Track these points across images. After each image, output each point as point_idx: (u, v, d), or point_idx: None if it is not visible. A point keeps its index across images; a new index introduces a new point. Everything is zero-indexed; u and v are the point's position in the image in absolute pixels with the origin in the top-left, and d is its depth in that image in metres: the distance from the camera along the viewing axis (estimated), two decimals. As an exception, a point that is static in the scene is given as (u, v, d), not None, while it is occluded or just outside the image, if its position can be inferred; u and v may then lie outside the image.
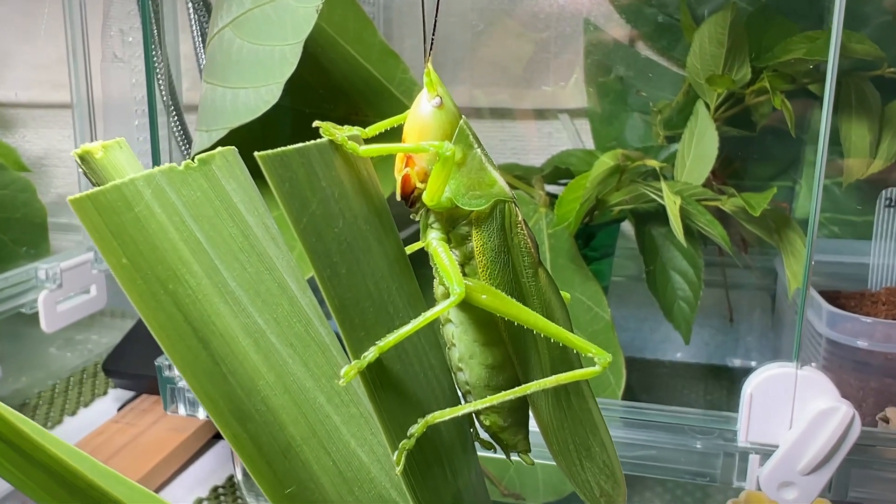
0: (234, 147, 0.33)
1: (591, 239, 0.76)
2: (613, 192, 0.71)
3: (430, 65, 0.30)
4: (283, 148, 0.27)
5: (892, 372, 0.63)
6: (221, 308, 0.31)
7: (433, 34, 0.30)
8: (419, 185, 0.30)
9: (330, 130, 0.28)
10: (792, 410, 0.52)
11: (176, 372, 0.62)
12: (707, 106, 0.75)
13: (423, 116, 0.30)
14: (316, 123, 0.29)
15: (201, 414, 0.63)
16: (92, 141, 0.72)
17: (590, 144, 0.88)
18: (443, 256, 0.29)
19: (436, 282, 0.32)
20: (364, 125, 0.68)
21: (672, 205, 0.66)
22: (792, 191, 0.84)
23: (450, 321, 0.32)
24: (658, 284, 0.75)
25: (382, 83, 0.69)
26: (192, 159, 0.31)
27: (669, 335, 0.84)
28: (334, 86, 0.68)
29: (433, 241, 0.30)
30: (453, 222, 0.31)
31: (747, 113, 0.78)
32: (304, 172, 0.27)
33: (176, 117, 0.81)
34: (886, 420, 0.60)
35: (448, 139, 0.30)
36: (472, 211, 0.30)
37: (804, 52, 0.72)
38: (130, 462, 0.72)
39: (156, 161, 0.62)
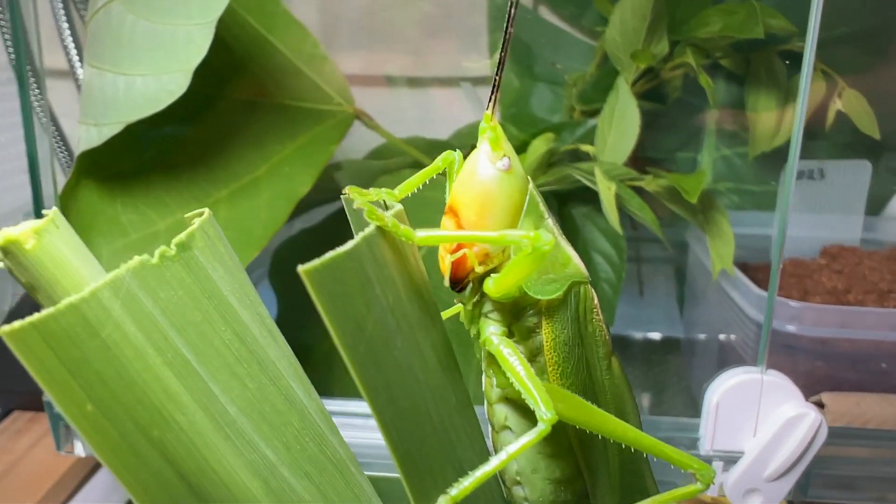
0: (207, 211, 0.24)
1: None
2: (540, 176, 0.65)
3: (495, 113, 0.22)
4: (331, 255, 0.18)
5: (822, 355, 0.61)
6: (222, 447, 0.22)
7: (500, 69, 0.21)
8: (478, 268, 0.22)
9: (376, 213, 0.20)
10: (757, 416, 0.49)
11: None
12: (625, 80, 0.69)
13: (485, 182, 0.22)
14: (356, 202, 0.20)
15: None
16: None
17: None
18: (516, 365, 0.22)
19: (486, 380, 0.24)
20: (272, 108, 0.58)
21: (606, 191, 0.61)
22: (694, 162, 0.81)
23: (507, 428, 0.25)
24: (579, 266, 0.70)
25: (290, 60, 0.59)
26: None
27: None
28: (236, 63, 0.57)
29: (493, 338, 0.23)
30: (518, 313, 0.23)
31: (660, 87, 0.74)
32: (358, 283, 0.19)
33: (38, 92, 0.67)
34: (821, 405, 0.58)
35: (516, 210, 0.22)
36: (542, 299, 0.23)
37: (721, 27, 0.68)
38: (12, 496, 0.60)
39: (31, 157, 0.50)
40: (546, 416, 0.21)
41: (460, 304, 0.25)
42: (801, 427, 0.47)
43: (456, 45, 0.81)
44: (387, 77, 0.84)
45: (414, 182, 0.25)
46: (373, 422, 0.20)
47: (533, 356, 0.24)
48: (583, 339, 0.24)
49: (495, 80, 0.23)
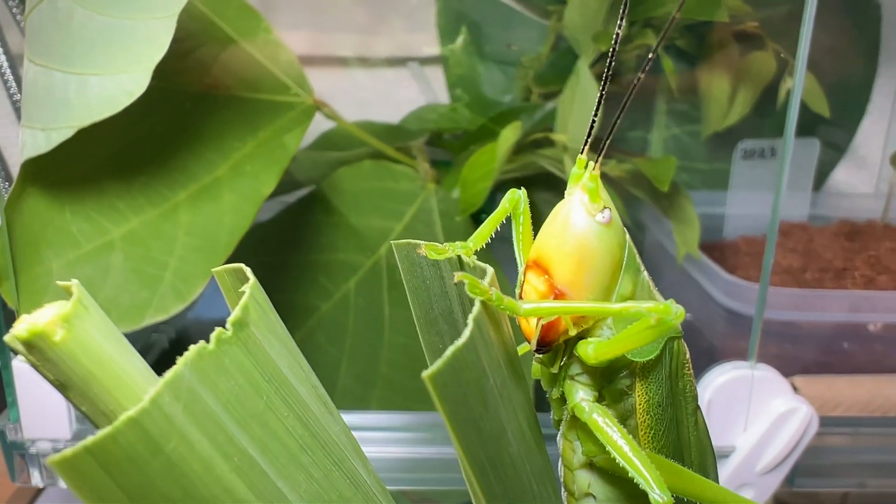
0: (245, 269, 0.21)
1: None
2: (506, 164, 0.62)
3: (598, 161, 0.19)
4: (451, 351, 0.15)
5: (789, 338, 0.61)
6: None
7: (596, 113, 0.18)
8: (572, 330, 0.20)
9: (479, 286, 0.16)
10: (748, 412, 0.48)
11: (26, 434, 0.46)
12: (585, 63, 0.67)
13: (584, 237, 0.19)
14: (459, 277, 0.17)
15: (62, 484, 0.48)
16: None
17: (442, 95, 0.77)
18: (617, 440, 0.19)
19: (566, 443, 0.22)
20: (228, 101, 0.53)
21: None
22: (645, 141, 0.80)
23: (590, 496, 0.22)
24: (543, 253, 0.67)
25: (243, 48, 0.54)
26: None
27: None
28: (186, 53, 0.52)
29: (585, 405, 0.20)
30: (610, 376, 0.21)
31: (617, 68, 0.72)
32: (475, 378, 0.16)
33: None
34: (794, 388, 0.58)
35: (616, 266, 0.19)
36: (639, 360, 0.20)
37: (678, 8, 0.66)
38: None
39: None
40: (662, 498, 0.18)
41: (538, 364, 0.22)
42: (793, 421, 0.47)
43: (403, 24, 0.77)
44: (330, 58, 0.79)
45: (486, 231, 0.22)
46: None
47: (623, 419, 0.22)
48: (674, 397, 0.22)
49: (592, 121, 0.20)
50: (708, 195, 0.78)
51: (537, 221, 0.67)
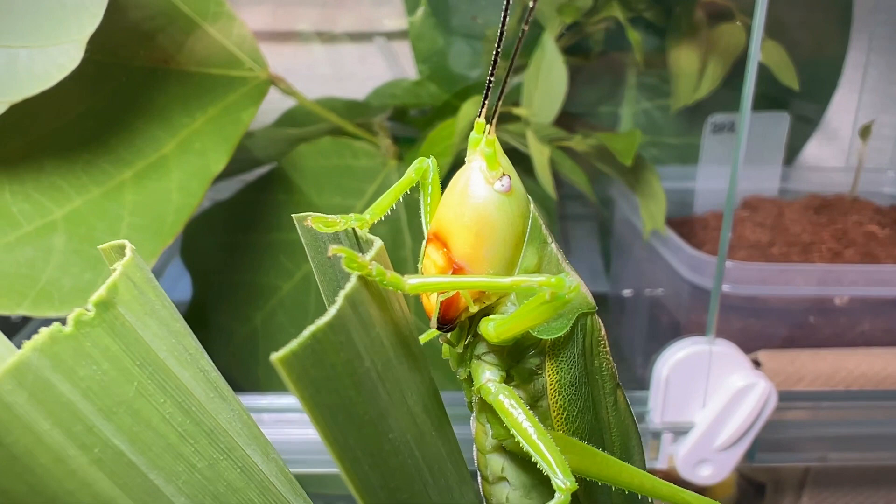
0: (129, 247, 0.19)
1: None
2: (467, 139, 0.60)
3: (491, 126, 0.17)
4: (310, 331, 0.14)
5: (753, 313, 0.59)
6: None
7: (490, 79, 0.17)
8: (473, 307, 0.18)
9: (357, 261, 0.15)
10: (706, 388, 0.47)
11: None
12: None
13: (482, 206, 0.18)
14: (333, 250, 0.15)
15: None
16: None
17: (410, 70, 0.75)
18: (523, 422, 0.18)
19: (478, 426, 0.20)
20: (177, 76, 0.51)
21: (539, 155, 0.57)
22: (615, 116, 0.78)
23: (503, 479, 0.21)
24: (508, 230, 0.66)
25: (194, 20, 0.52)
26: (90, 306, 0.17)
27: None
28: (132, 26, 0.50)
29: (491, 385, 0.19)
30: (518, 354, 0.19)
31: (583, 41, 0.70)
32: (345, 360, 0.14)
33: None
34: (757, 363, 0.57)
35: (518, 237, 0.18)
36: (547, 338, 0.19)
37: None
38: None
39: None
40: (564, 484, 0.17)
41: (445, 344, 0.20)
42: (751, 396, 0.46)
43: (368, -2, 0.75)
44: (294, 32, 0.77)
45: (387, 202, 0.20)
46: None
47: (535, 401, 0.20)
48: (589, 376, 0.20)
49: (489, 82, 0.18)
50: (678, 170, 0.76)
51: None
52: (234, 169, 0.63)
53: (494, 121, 0.19)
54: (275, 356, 0.13)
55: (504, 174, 0.18)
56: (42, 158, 0.46)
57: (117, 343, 0.17)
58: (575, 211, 0.79)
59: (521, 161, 0.65)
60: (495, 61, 0.19)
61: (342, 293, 0.15)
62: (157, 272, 0.66)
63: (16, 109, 0.40)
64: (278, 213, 0.60)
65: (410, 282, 0.17)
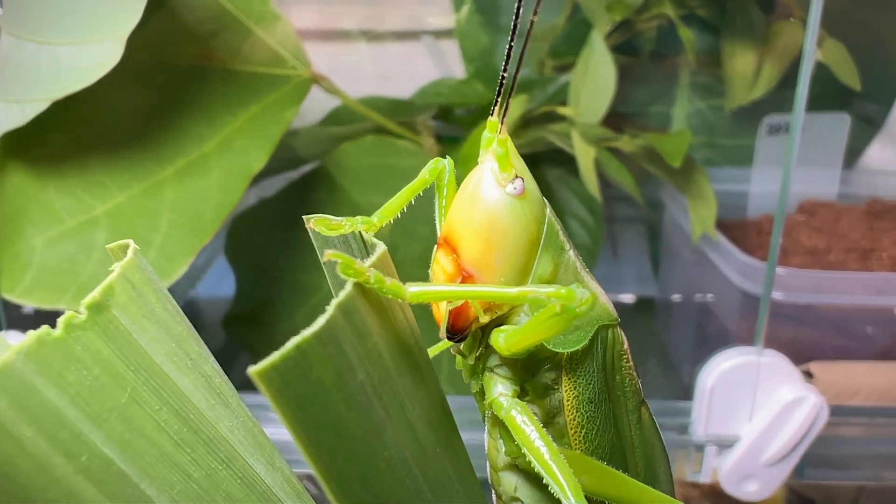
0: (132, 246, 0.18)
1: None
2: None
3: (503, 122, 0.16)
4: (294, 343, 0.13)
5: (807, 322, 0.57)
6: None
7: (517, 68, 0.16)
8: (483, 317, 0.17)
9: (354, 267, 0.14)
10: (753, 400, 0.45)
11: None
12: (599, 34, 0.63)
13: (493, 210, 0.16)
14: (328, 255, 0.14)
15: None
16: None
17: (457, 69, 0.74)
18: (535, 440, 0.17)
19: (491, 441, 0.19)
20: (220, 74, 0.51)
21: (584, 156, 0.56)
22: (667, 116, 0.76)
23: (517, 500, 0.19)
24: (553, 231, 0.64)
25: (237, 18, 0.52)
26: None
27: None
28: (177, 23, 0.50)
29: (503, 400, 0.18)
30: (533, 368, 0.18)
31: (634, 39, 0.68)
32: (333, 374, 0.14)
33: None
34: (809, 374, 0.55)
35: (532, 243, 0.17)
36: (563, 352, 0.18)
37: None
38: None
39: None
40: (575, 507, 0.16)
41: (458, 354, 0.19)
42: (801, 410, 0.43)
43: (416, -4, 0.74)
44: (341, 31, 0.76)
45: (397, 203, 0.19)
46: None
47: (551, 417, 0.19)
48: (610, 392, 0.19)
49: (502, 79, 0.17)
50: (732, 172, 0.74)
51: (547, 200, 0.64)
52: (280, 167, 0.63)
53: (505, 119, 0.18)
54: (252, 369, 0.12)
55: (517, 176, 0.17)
56: (86, 155, 0.46)
57: (110, 347, 0.16)
58: (624, 213, 0.77)
59: (566, 162, 0.63)
60: (508, 57, 0.18)
61: (334, 301, 0.14)
62: (202, 269, 0.66)
63: (60, 106, 0.41)
64: (321, 211, 0.59)
65: (411, 290, 0.16)
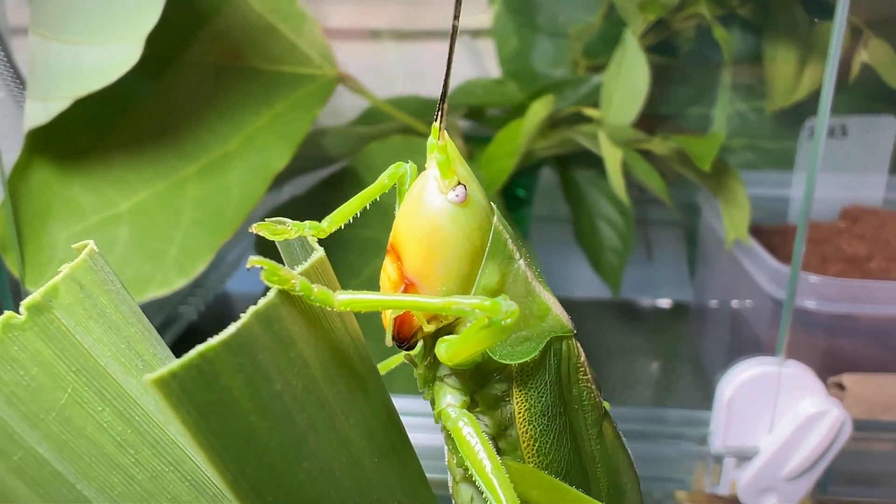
0: (89, 248, 0.18)
1: (508, 187, 0.64)
2: (540, 140, 0.59)
3: (442, 128, 0.16)
4: (197, 351, 0.13)
5: (843, 332, 0.55)
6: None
7: (446, 82, 0.15)
8: (426, 326, 0.17)
9: (279, 274, 0.14)
10: (774, 411, 0.43)
11: None
12: (633, 33, 0.62)
13: (433, 218, 0.16)
14: (251, 261, 0.14)
15: None
16: None
17: (493, 69, 0.74)
18: (478, 453, 0.16)
19: (448, 453, 0.19)
20: (245, 73, 0.51)
21: (611, 158, 0.55)
22: (707, 117, 0.74)
23: (472, 513, 0.19)
24: (584, 233, 0.64)
25: (264, 18, 0.52)
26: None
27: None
28: (203, 23, 0.51)
29: (451, 410, 0.17)
30: (481, 379, 0.18)
31: (671, 39, 0.66)
32: (244, 383, 0.13)
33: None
34: (841, 387, 0.53)
35: (475, 252, 0.16)
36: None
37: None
38: None
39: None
40: (513, 527, 0.15)
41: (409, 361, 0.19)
42: (823, 424, 0.42)
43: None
44: (375, 30, 0.76)
45: (350, 208, 0.19)
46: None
47: (502, 429, 0.19)
48: (566, 405, 0.18)
49: (445, 86, 0.17)
50: (773, 176, 0.72)
51: (577, 202, 0.63)
52: (312, 165, 0.63)
53: (443, 124, 0.17)
54: (149, 377, 0.12)
55: (459, 183, 0.17)
56: (112, 152, 0.47)
57: (50, 348, 0.16)
58: (660, 216, 0.75)
59: (597, 163, 0.62)
60: (450, 61, 0.17)
61: (251, 309, 0.14)
62: (233, 265, 0.67)
63: (87, 104, 0.41)
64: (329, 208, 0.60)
65: (340, 298, 0.15)
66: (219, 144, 0.49)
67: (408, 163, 0.20)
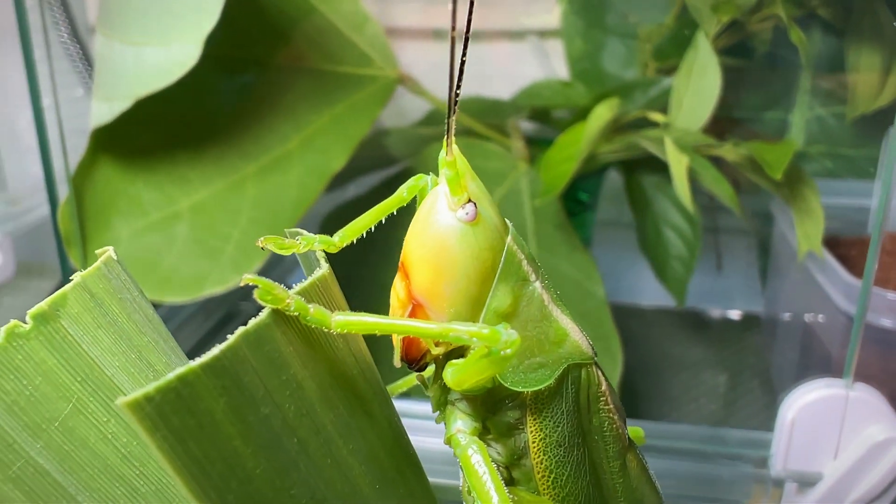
0: (107, 255, 0.18)
1: (571, 190, 0.62)
2: (604, 144, 0.57)
3: (450, 142, 0.15)
4: (178, 373, 0.12)
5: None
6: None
7: (457, 94, 0.15)
8: (434, 349, 0.16)
9: (273, 293, 0.13)
10: (839, 437, 0.41)
11: None
12: (705, 35, 0.59)
13: (441, 236, 0.15)
14: (245, 280, 0.14)
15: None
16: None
17: (562, 71, 0.72)
18: (486, 483, 0.15)
19: (464, 486, 0.18)
20: (307, 74, 0.51)
21: (676, 164, 0.53)
22: (784, 123, 0.71)
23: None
24: (649, 240, 0.62)
25: (326, 18, 0.52)
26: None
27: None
28: (268, 24, 0.51)
29: (461, 437, 0.16)
30: (493, 405, 0.17)
31: (747, 40, 0.64)
32: (226, 407, 0.13)
33: (77, 45, 0.62)
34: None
35: (485, 273, 0.15)
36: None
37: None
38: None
39: (40, 133, 0.45)
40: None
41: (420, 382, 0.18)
42: (892, 453, 0.39)
43: (521, -5, 0.72)
44: (444, 30, 0.76)
45: (363, 223, 0.18)
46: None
47: (516, 458, 0.18)
48: (585, 435, 0.17)
49: (450, 98, 0.16)
50: (854, 185, 0.68)
51: (643, 208, 0.61)
52: (375, 165, 0.63)
53: (450, 139, 0.16)
54: (122, 400, 0.12)
55: (469, 200, 0.16)
56: (175, 151, 0.48)
57: (55, 357, 0.16)
58: (732, 224, 0.72)
59: (664, 168, 0.60)
60: (459, 74, 0.16)
61: (240, 330, 0.13)
62: (293, 263, 0.67)
63: (148, 104, 0.42)
64: (404, 212, 0.59)
65: (337, 319, 0.15)
66: (279, 144, 0.49)
67: (429, 175, 0.19)
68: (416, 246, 0.16)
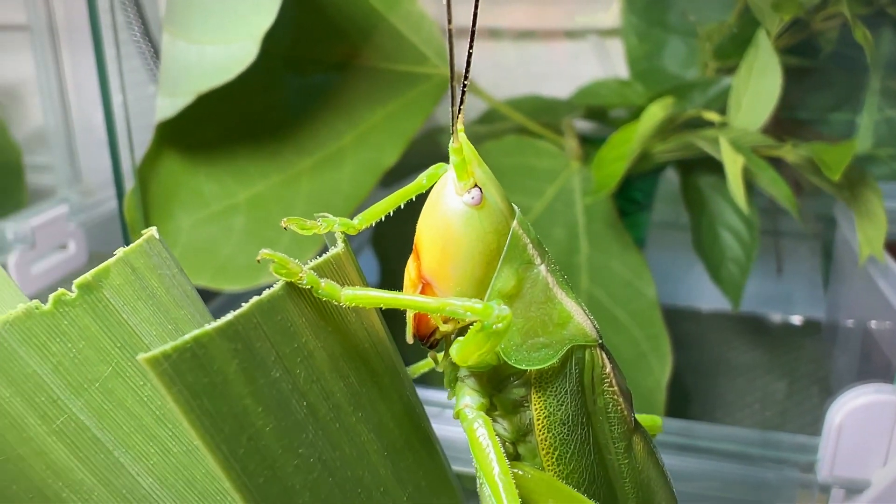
0: (149, 234, 0.19)
1: (625, 190, 0.62)
2: (658, 144, 0.57)
3: (461, 128, 0.16)
4: (195, 335, 0.13)
5: None
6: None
7: (464, 84, 0.16)
8: (442, 326, 0.17)
9: (288, 266, 0.14)
10: (889, 443, 0.40)
11: None
12: (767, 34, 0.59)
13: (448, 219, 0.16)
14: (262, 254, 0.15)
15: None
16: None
17: (622, 70, 0.72)
18: (489, 456, 0.16)
19: (479, 481, 0.19)
20: (363, 71, 0.53)
21: (731, 164, 0.52)
22: (851, 124, 0.69)
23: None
24: (704, 242, 0.61)
25: (383, 17, 0.54)
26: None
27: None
28: (327, 22, 0.53)
29: (468, 411, 0.17)
30: (499, 382, 0.18)
31: (811, 39, 0.63)
32: (238, 368, 0.14)
33: (149, 43, 0.65)
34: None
35: (490, 255, 0.16)
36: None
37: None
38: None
39: (109, 126, 0.48)
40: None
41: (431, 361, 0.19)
42: (944, 462, 0.39)
43: (581, -6, 0.73)
44: (503, 29, 0.77)
45: (382, 208, 0.20)
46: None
47: (521, 435, 0.19)
48: (590, 416, 0.18)
49: (453, 88, 0.17)
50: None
51: (698, 209, 0.61)
52: (428, 162, 0.64)
53: (459, 127, 0.17)
54: (141, 356, 0.13)
55: (475, 185, 0.17)
56: (234, 145, 0.50)
57: (97, 324, 0.18)
58: (794, 228, 0.71)
59: (721, 169, 0.60)
60: (468, 66, 0.17)
61: (254, 299, 0.14)
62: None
63: (209, 100, 0.44)
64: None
65: (346, 293, 0.16)
66: (333, 140, 0.51)
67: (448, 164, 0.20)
68: (426, 228, 0.17)
